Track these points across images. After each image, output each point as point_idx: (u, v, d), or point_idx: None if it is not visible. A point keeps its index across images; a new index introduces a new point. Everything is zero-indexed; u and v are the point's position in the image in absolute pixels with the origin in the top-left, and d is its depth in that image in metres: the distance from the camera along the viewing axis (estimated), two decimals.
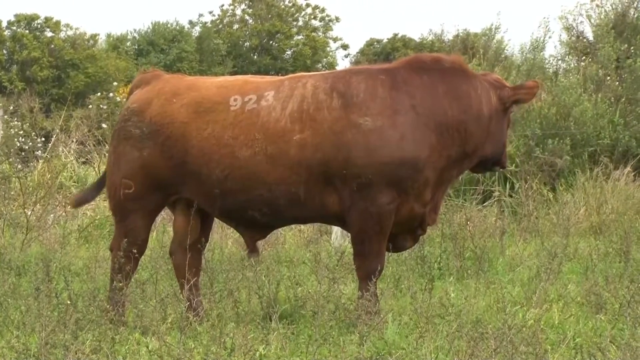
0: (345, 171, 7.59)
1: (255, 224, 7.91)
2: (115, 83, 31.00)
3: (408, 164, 7.60)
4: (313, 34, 58.56)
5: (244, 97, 7.80)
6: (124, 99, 12.86)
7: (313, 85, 7.77)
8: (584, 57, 18.61)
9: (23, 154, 16.62)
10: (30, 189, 14.89)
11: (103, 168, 14.92)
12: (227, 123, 7.75)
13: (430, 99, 7.77)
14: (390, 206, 7.64)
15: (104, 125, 17.80)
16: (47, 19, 51.98)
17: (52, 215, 13.91)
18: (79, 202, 9.05)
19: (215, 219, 8.42)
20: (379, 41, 56.86)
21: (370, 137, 7.59)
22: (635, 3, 19.02)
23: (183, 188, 7.91)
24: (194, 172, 7.80)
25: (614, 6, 18.87)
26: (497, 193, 14.32)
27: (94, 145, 17.57)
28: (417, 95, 7.75)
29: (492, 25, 21.05)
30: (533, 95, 8.10)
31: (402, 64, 8.06)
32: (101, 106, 19.18)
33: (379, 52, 54.19)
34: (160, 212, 8.46)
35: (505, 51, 20.56)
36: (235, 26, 57.75)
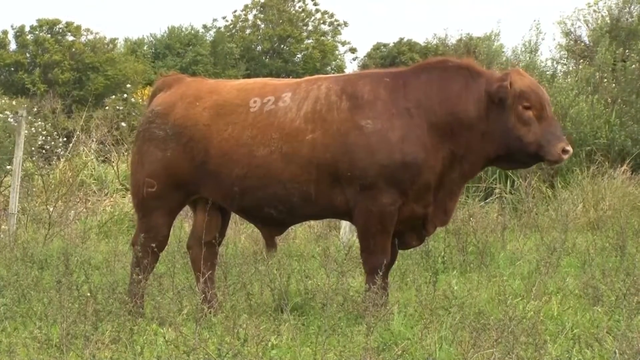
0: (349, 173, 7.68)
1: (271, 221, 8.02)
2: (128, 85, 31.01)
3: (406, 166, 7.65)
4: (322, 38, 58.43)
5: (263, 99, 7.92)
6: (141, 100, 12.99)
7: (327, 87, 7.88)
8: (581, 60, 18.74)
9: (45, 152, 16.78)
10: (52, 186, 15.01)
11: (122, 166, 15.21)
12: (247, 124, 7.86)
13: (423, 100, 7.76)
14: (391, 207, 7.72)
15: (123, 124, 17.86)
16: (68, 24, 51.82)
17: (73, 211, 14.08)
18: None
19: (232, 215, 8.52)
20: (385, 45, 56.61)
21: (371, 139, 7.66)
22: (629, 8, 19.17)
23: (203, 188, 8.02)
24: (214, 171, 7.92)
25: (609, 11, 19.02)
26: (498, 190, 14.46)
27: (113, 145, 17.67)
28: (411, 97, 7.77)
29: (492, 32, 21.25)
30: (505, 88, 7.64)
31: (412, 66, 8.15)
32: (117, 107, 19.27)
33: (385, 56, 53.94)
34: (181, 210, 8.55)
35: (504, 54, 20.73)
36: (248, 31, 57.67)
